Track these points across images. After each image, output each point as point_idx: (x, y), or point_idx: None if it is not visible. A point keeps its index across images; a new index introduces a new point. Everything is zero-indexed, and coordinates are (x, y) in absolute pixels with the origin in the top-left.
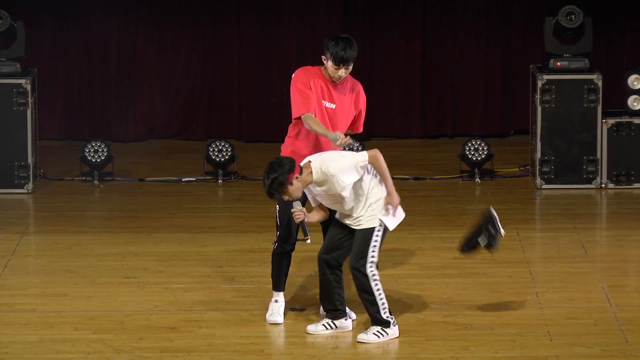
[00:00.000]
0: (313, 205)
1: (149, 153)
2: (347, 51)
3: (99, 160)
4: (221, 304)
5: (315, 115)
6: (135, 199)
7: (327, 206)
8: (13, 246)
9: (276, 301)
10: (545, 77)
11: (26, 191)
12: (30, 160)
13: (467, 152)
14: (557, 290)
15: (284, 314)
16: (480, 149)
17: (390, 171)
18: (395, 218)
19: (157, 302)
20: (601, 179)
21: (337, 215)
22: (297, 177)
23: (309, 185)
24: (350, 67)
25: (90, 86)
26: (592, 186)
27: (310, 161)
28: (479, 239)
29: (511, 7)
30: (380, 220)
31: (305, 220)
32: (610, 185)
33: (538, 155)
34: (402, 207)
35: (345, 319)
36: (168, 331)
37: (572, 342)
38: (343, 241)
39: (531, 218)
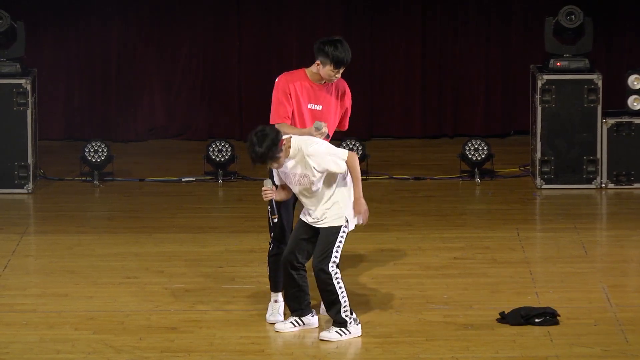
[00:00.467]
0: (278, 183)
1: (149, 153)
2: (347, 54)
3: (99, 161)
4: (221, 304)
5: (296, 121)
6: (136, 199)
7: (295, 193)
8: (13, 246)
9: (275, 301)
10: (546, 77)
11: (26, 191)
12: (30, 160)
13: (468, 152)
14: (558, 290)
15: (283, 314)
16: (480, 149)
17: (390, 171)
18: (355, 220)
19: (157, 302)
20: (601, 179)
21: (301, 215)
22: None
23: (285, 161)
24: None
25: (91, 86)
26: (592, 186)
27: (291, 137)
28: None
29: (511, 7)
30: (346, 219)
31: (274, 198)
32: (611, 186)
33: (538, 155)
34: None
35: (312, 315)
36: (168, 331)
37: (572, 342)
38: (307, 242)
39: (531, 218)
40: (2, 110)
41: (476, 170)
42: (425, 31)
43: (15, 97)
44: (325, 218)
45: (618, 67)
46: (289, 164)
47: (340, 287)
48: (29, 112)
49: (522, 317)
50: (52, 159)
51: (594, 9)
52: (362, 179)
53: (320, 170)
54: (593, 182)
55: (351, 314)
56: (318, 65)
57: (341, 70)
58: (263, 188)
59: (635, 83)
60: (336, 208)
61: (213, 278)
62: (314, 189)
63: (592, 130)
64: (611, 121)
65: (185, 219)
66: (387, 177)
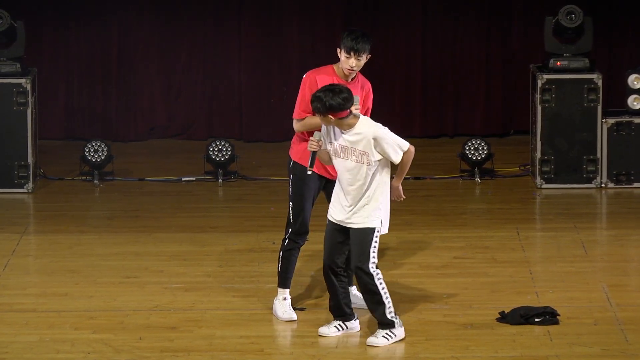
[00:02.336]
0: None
1: (149, 153)
2: (358, 41)
3: (99, 160)
4: (221, 304)
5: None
6: (136, 198)
7: (339, 176)
8: (13, 246)
9: (285, 299)
10: (546, 76)
11: (26, 191)
12: (30, 159)
13: (468, 152)
14: (558, 289)
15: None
16: (480, 148)
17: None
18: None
19: (157, 301)
20: (601, 178)
21: (328, 217)
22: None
23: (343, 133)
24: (362, 60)
25: (91, 86)
26: (592, 186)
27: (359, 113)
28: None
29: (511, 7)
30: (381, 222)
31: (326, 151)
32: (611, 185)
33: (538, 154)
34: (402, 206)
35: (355, 320)
36: (168, 331)
37: (572, 341)
38: (342, 244)
39: (531, 218)
40: (2, 109)
41: (476, 169)
42: (425, 30)
43: (16, 97)
44: (358, 216)
45: (618, 67)
46: (353, 137)
47: (383, 288)
48: (29, 111)
49: (522, 316)
50: (52, 158)
51: (593, 8)
52: None
53: (380, 153)
54: (593, 182)
55: (395, 314)
56: (339, 53)
57: (354, 59)
58: (311, 138)
59: (635, 82)
60: (371, 208)
61: (213, 278)
62: (364, 174)
63: (592, 130)
64: (611, 121)
65: (185, 219)
66: None
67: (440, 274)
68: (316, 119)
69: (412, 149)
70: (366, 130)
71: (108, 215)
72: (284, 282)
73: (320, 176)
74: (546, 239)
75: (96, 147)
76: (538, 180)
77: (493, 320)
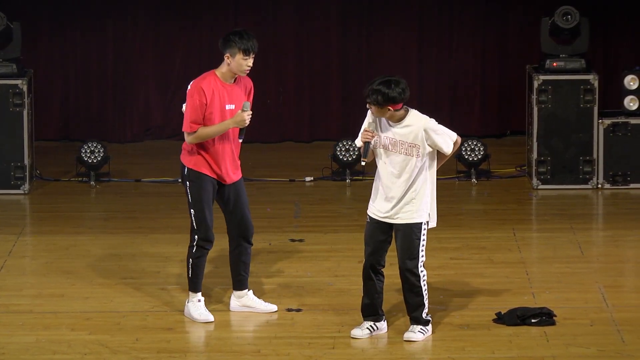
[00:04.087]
0: (367, 159)
1: (146, 154)
2: (252, 41)
3: (95, 161)
4: (218, 305)
5: (217, 123)
6: (132, 199)
7: (384, 170)
8: (9, 247)
9: (199, 300)
10: (542, 77)
11: (22, 192)
12: (26, 161)
13: (464, 153)
14: (554, 290)
15: (278, 313)
16: (476, 149)
17: None
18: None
19: (153, 302)
20: (597, 179)
21: (369, 213)
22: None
23: (391, 126)
24: (253, 58)
25: (87, 87)
26: (589, 186)
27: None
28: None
29: (508, 8)
30: (429, 215)
31: (371, 144)
32: (607, 186)
33: (534, 155)
34: None
35: (384, 321)
36: (165, 332)
37: (568, 342)
38: (385, 243)
39: (528, 218)
40: None
41: (472, 170)
42: (421, 31)
43: (12, 98)
44: (405, 211)
45: (614, 68)
46: (403, 129)
47: (425, 289)
48: (25, 112)
49: (518, 317)
50: (49, 159)
51: (590, 9)
52: (358, 180)
53: (430, 145)
54: (589, 183)
55: (428, 314)
56: (228, 58)
57: (251, 58)
58: (365, 129)
59: (631, 83)
60: (418, 202)
61: (209, 279)
62: (412, 166)
63: (589, 131)
64: (607, 121)
65: (182, 220)
66: None
67: (436, 274)
68: (210, 129)
69: (460, 139)
70: (417, 122)
71: (104, 216)
72: (195, 287)
73: (215, 180)
74: (542, 240)
75: (92, 148)
76: (534, 181)
77: (489, 321)
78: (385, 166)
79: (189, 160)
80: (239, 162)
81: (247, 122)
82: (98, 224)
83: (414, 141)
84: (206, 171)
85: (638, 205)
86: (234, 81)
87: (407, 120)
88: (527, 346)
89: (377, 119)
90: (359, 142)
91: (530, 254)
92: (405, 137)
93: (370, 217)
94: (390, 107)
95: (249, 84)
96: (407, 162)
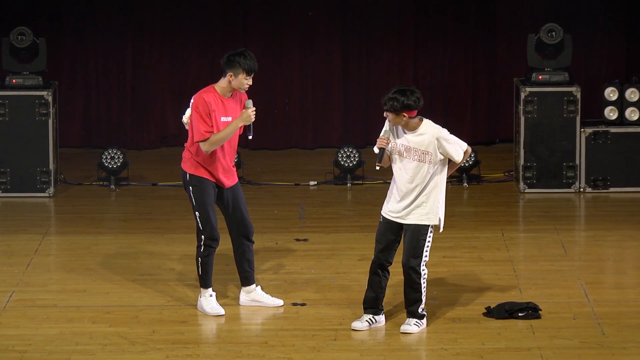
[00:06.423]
0: (382, 164)
1: (162, 160)
2: (254, 61)
3: (115, 167)
4: (228, 300)
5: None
6: (149, 202)
7: (398, 175)
8: (35, 246)
9: (210, 295)
10: (528, 89)
11: (48, 195)
12: (51, 166)
13: None
14: (539, 286)
15: (284, 308)
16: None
17: (385, 176)
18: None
19: (169, 297)
20: (580, 183)
21: (383, 212)
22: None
23: (405, 133)
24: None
25: (107, 98)
26: (572, 190)
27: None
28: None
29: (496, 24)
30: (440, 219)
31: (386, 151)
32: (588, 190)
33: (521, 161)
34: None
35: (382, 314)
36: (179, 324)
37: (553, 334)
38: (395, 242)
39: (515, 220)
40: (25, 120)
41: (464, 175)
42: (417, 44)
43: (38, 108)
44: (414, 213)
45: (595, 81)
46: (417, 137)
47: (424, 286)
48: (50, 121)
49: (506, 311)
50: (72, 165)
51: (573, 26)
52: (358, 184)
53: (442, 153)
54: (572, 187)
55: (424, 309)
56: (230, 77)
57: (251, 78)
58: (381, 136)
59: (611, 95)
60: (428, 206)
61: (220, 275)
62: (424, 173)
63: (572, 139)
64: (589, 130)
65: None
66: (382, 182)
67: (430, 271)
68: (221, 133)
69: (470, 149)
70: (430, 131)
71: (123, 218)
72: (205, 283)
73: (215, 184)
74: (529, 240)
75: (112, 155)
76: (521, 185)
77: (480, 315)
78: (400, 171)
79: (190, 167)
80: (234, 169)
81: (253, 118)
82: (117, 224)
83: (426, 148)
84: (206, 175)
85: (617, 207)
86: (231, 95)
87: (421, 129)
88: (514, 338)
89: (394, 127)
90: (375, 148)
91: (518, 252)
92: (419, 145)
93: (383, 217)
94: (405, 114)
95: (244, 96)
96: (419, 168)
